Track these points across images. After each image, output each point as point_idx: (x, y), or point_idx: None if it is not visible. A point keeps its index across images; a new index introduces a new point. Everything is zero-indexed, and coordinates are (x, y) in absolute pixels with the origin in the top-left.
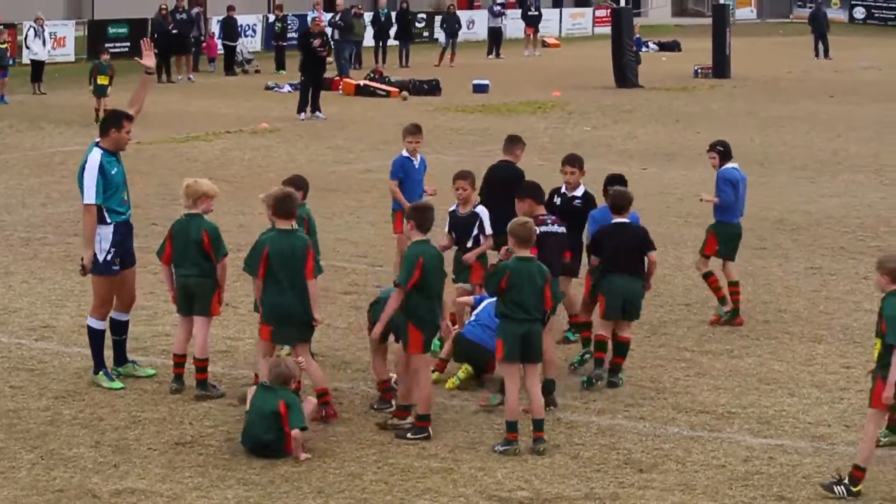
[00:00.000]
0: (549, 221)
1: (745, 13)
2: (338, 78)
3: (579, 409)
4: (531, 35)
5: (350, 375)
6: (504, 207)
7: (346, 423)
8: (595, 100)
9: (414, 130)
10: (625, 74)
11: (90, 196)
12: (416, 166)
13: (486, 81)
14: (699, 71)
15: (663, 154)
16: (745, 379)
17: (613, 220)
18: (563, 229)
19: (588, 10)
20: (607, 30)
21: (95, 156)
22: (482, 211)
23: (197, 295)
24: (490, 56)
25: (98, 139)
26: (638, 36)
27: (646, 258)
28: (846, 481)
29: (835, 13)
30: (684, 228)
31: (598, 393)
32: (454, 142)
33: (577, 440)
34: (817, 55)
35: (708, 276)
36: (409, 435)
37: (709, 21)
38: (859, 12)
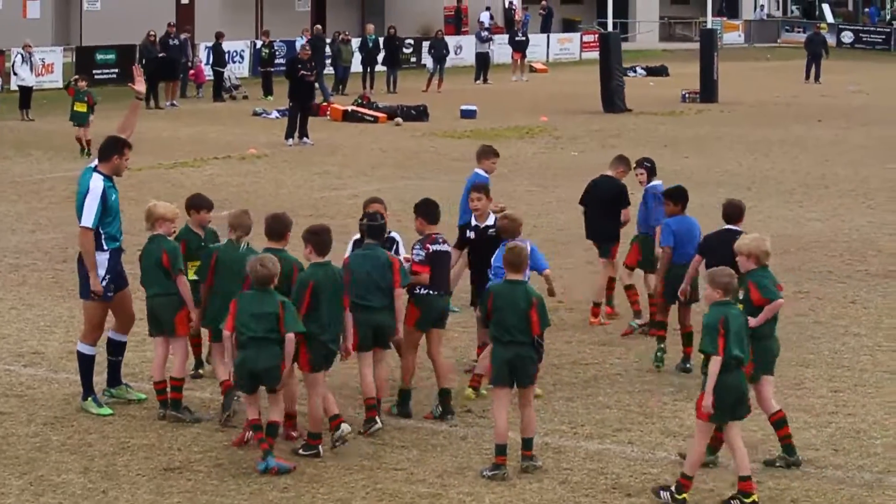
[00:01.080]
0: (440, 240)
1: (732, 37)
2: (325, 104)
3: (567, 433)
4: (518, 60)
5: (337, 401)
6: (605, 219)
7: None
8: (583, 125)
9: (492, 152)
10: (613, 99)
11: (89, 220)
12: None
13: (473, 107)
14: (687, 95)
15: None
16: None
17: (725, 227)
18: (450, 248)
19: (576, 36)
20: (595, 55)
21: (98, 181)
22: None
23: (160, 315)
24: (478, 81)
25: (95, 164)
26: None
27: None
28: (672, 488)
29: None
30: None
31: (585, 417)
32: (442, 167)
33: (566, 465)
34: (808, 78)
35: (629, 289)
36: (300, 451)
37: (696, 46)
38: (847, 37)
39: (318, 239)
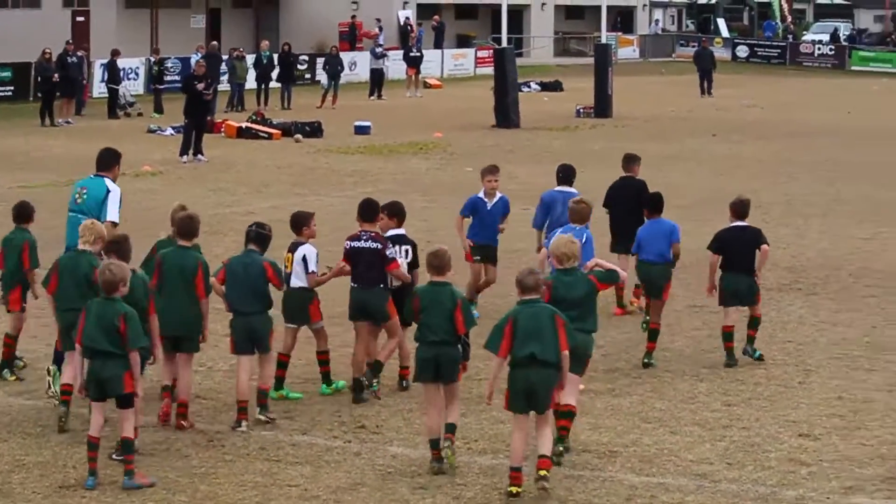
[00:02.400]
0: (363, 237)
1: (627, 52)
2: (220, 121)
3: (461, 448)
4: (413, 76)
5: (231, 417)
6: (629, 216)
7: (228, 465)
8: (476, 140)
9: (492, 170)
10: (507, 115)
11: (116, 215)
12: (489, 207)
13: (367, 123)
14: (581, 111)
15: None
16: (627, 417)
17: (733, 224)
18: (378, 245)
19: (470, 51)
20: (489, 70)
21: (114, 184)
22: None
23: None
24: (372, 97)
25: (101, 173)
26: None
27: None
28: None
29: (718, 52)
30: None
31: (479, 433)
32: (336, 183)
33: (459, 480)
34: (703, 93)
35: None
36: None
37: (591, 61)
38: (742, 51)
39: (119, 247)
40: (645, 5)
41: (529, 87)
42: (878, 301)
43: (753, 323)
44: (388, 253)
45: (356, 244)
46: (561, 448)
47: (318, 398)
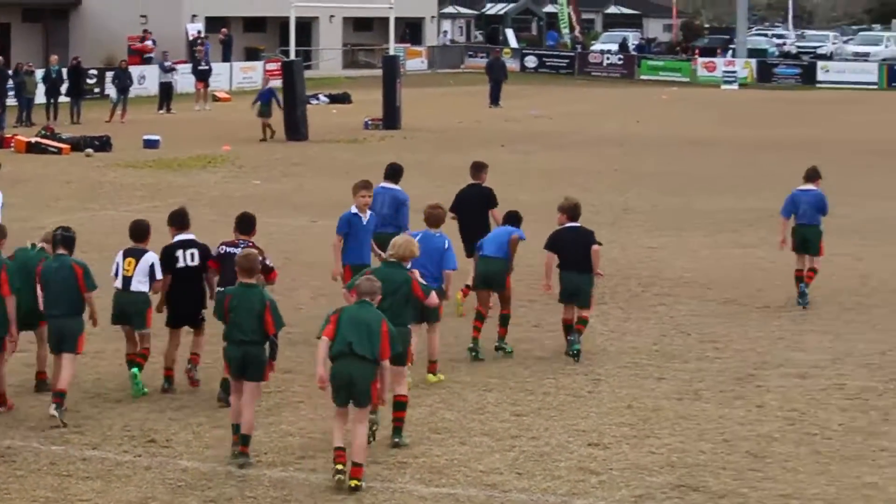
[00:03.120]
0: (240, 245)
1: (416, 64)
2: (9, 136)
3: (250, 462)
4: (202, 89)
5: (23, 433)
6: (476, 221)
7: (19, 481)
8: (265, 153)
9: (365, 185)
10: (296, 127)
11: None
12: (364, 223)
13: (156, 137)
14: (370, 123)
15: (332, 206)
16: (417, 428)
17: (567, 225)
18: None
19: (258, 64)
20: (278, 83)
21: None
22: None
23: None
24: (161, 111)
25: None
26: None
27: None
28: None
29: (507, 62)
30: None
31: (269, 445)
32: (123, 198)
33: (249, 493)
34: (493, 104)
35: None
36: None
37: (379, 72)
38: (531, 61)
39: None
40: (433, 17)
41: (318, 99)
42: (667, 310)
43: (581, 321)
44: (267, 262)
45: (228, 249)
46: (398, 440)
47: (109, 412)
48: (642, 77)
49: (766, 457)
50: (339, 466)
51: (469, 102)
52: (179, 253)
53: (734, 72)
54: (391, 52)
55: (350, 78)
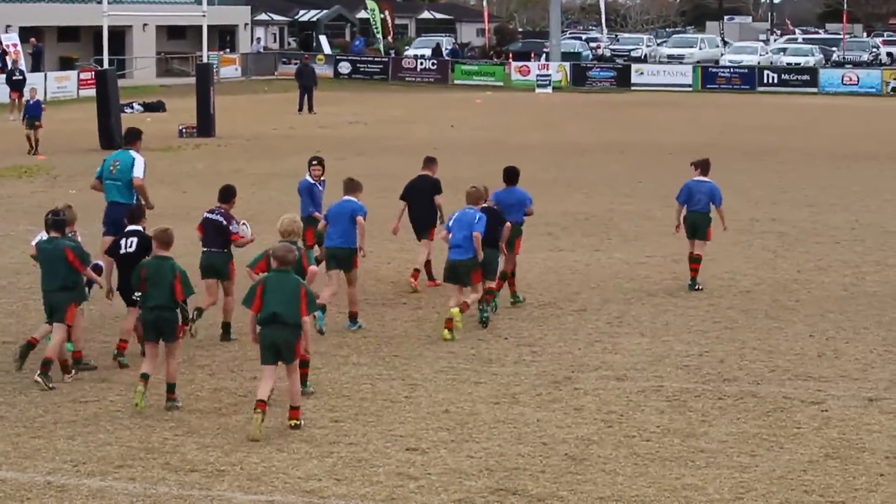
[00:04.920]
0: (216, 212)
1: (229, 71)
2: None
3: (69, 471)
4: (17, 100)
5: None
6: (423, 208)
7: None
8: (80, 162)
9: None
10: (111, 136)
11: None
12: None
13: None
14: (184, 131)
15: (148, 214)
16: (234, 435)
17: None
18: (223, 219)
19: (73, 73)
20: (93, 92)
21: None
22: None
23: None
24: None
25: (128, 147)
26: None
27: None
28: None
29: (321, 69)
30: None
31: (87, 455)
32: None
33: (68, 503)
34: (301, 110)
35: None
36: None
37: (193, 80)
38: (345, 67)
39: None
40: (247, 24)
41: (132, 108)
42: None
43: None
44: (230, 227)
45: (207, 215)
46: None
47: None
48: (456, 82)
49: (585, 459)
50: (258, 412)
51: (283, 109)
52: (122, 241)
53: (548, 75)
54: (205, 60)
55: (164, 86)
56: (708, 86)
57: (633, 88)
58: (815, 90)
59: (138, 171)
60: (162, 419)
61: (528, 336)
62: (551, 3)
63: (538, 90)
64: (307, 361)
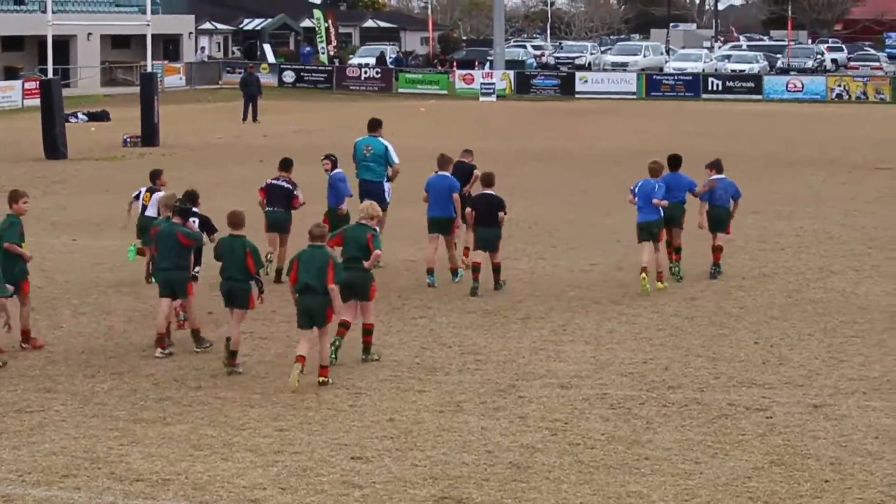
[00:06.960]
0: (280, 179)
1: (174, 80)
2: None
3: (14, 481)
4: None
5: None
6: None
7: None
8: (25, 172)
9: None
10: (55, 146)
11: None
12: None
13: None
14: (128, 140)
15: (93, 224)
16: (179, 445)
17: (483, 192)
18: (288, 185)
19: (17, 83)
20: (37, 101)
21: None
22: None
23: None
24: None
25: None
26: None
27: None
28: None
29: (265, 77)
30: (114, 297)
31: (32, 465)
32: None
33: None
34: (245, 119)
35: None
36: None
37: (137, 90)
38: (289, 76)
39: None
40: (191, 33)
41: (77, 117)
42: (427, 322)
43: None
44: (295, 192)
45: (272, 182)
46: (367, 357)
47: None
48: (400, 90)
49: (530, 467)
50: (298, 365)
51: (227, 118)
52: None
53: (492, 84)
54: (149, 69)
55: (109, 95)
56: (652, 93)
57: (577, 96)
58: (759, 97)
59: (395, 157)
60: (107, 429)
61: (473, 344)
62: (495, 10)
63: (482, 98)
64: (370, 329)
